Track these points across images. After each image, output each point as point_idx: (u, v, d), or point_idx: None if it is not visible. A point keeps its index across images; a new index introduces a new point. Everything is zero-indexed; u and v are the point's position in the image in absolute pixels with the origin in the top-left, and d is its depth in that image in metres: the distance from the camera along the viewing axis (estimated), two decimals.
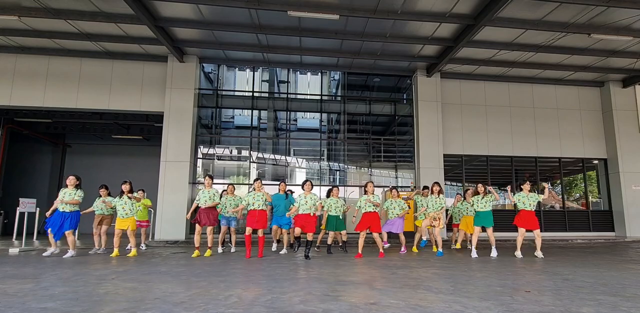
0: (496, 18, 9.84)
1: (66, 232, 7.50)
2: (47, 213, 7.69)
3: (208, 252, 7.91)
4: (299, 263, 6.63)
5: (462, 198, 9.43)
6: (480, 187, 8.13)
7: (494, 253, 8.01)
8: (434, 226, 8.44)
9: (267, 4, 9.31)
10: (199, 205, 7.96)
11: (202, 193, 7.97)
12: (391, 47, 11.97)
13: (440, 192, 8.44)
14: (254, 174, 14.25)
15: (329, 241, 8.42)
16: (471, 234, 8.56)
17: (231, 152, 14.41)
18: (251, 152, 14.00)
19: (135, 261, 6.86)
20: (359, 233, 8.01)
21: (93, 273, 5.29)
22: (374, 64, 13.35)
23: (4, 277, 4.93)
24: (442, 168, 13.10)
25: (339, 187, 9.30)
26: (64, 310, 3.21)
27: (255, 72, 14.56)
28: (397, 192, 8.90)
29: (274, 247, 8.91)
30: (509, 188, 9.14)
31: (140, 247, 9.40)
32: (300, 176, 14.59)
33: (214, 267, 6.08)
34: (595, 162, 14.89)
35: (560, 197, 14.57)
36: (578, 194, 15.84)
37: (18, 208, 10.28)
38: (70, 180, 7.56)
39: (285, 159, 14.45)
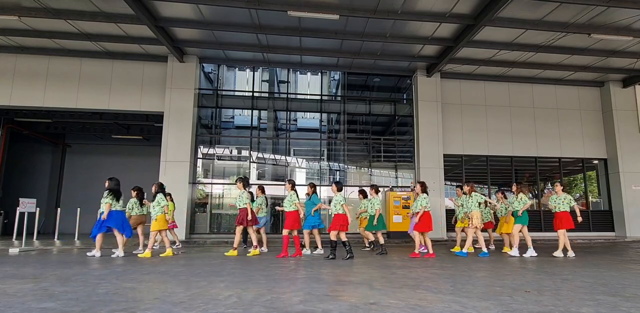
0: (496, 18, 9.84)
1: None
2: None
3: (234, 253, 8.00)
4: (298, 263, 6.63)
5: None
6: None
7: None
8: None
9: (267, 4, 9.31)
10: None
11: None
12: (391, 47, 11.97)
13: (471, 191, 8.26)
14: (254, 174, 14.25)
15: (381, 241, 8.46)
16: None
17: (231, 152, 14.42)
18: (251, 152, 14.00)
19: (135, 261, 6.87)
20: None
21: (93, 273, 5.29)
22: (374, 64, 13.35)
23: (4, 277, 4.93)
24: (442, 168, 13.10)
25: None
26: (64, 310, 3.21)
27: (255, 72, 14.56)
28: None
29: (317, 251, 8.53)
30: (499, 195, 8.94)
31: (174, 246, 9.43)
32: (300, 176, 14.59)
33: (214, 267, 6.08)
34: (595, 162, 14.89)
35: None
36: (578, 194, 15.83)
37: (18, 208, 10.26)
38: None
39: (285, 159, 14.45)
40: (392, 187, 13.46)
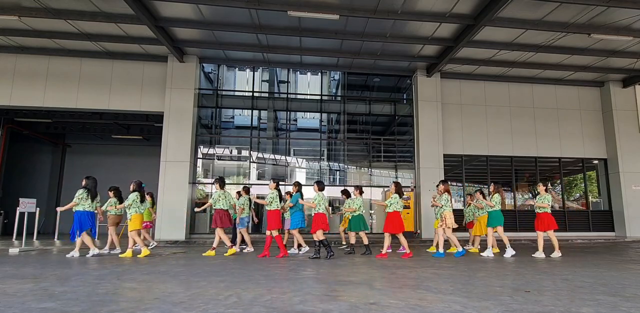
0: (496, 18, 9.84)
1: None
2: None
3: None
4: (298, 263, 6.63)
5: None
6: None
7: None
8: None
9: (267, 4, 9.31)
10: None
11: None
12: (391, 47, 11.97)
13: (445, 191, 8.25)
14: (254, 174, 14.25)
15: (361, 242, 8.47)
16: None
17: (231, 152, 14.42)
18: (251, 152, 14.00)
19: (134, 261, 6.87)
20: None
21: (93, 273, 5.29)
22: (374, 64, 13.35)
23: (4, 277, 4.93)
24: (442, 168, 13.10)
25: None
26: (64, 310, 3.21)
27: (255, 72, 14.56)
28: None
29: (303, 250, 8.55)
30: (477, 194, 8.85)
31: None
32: (300, 176, 14.59)
33: (214, 267, 6.08)
34: (595, 162, 14.89)
35: (560, 197, 14.57)
36: (578, 194, 15.84)
37: (18, 208, 10.28)
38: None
39: (285, 159, 14.45)
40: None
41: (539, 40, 11.23)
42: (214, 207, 8.00)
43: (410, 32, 11.04)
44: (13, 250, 8.36)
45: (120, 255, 7.65)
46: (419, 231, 12.84)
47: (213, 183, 8.34)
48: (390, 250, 8.67)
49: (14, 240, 11.32)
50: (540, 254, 7.87)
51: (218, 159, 14.19)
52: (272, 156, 14.72)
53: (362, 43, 11.74)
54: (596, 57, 12.24)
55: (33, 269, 5.72)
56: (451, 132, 13.71)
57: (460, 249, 7.85)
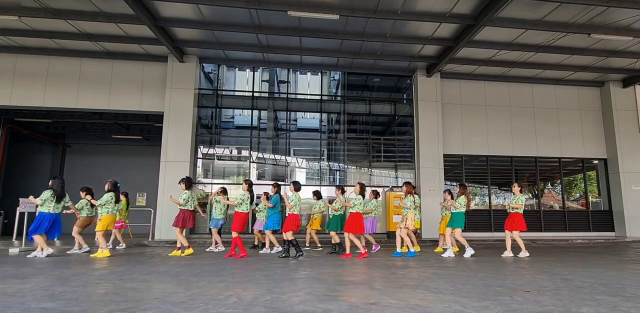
0: (496, 18, 9.84)
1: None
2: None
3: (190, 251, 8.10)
4: (298, 263, 6.63)
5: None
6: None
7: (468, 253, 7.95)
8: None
9: (267, 4, 9.31)
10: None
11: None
12: (391, 47, 11.97)
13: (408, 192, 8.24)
14: (254, 174, 14.25)
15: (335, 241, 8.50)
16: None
17: (231, 152, 14.41)
18: (251, 152, 14.00)
19: (134, 261, 6.87)
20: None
21: (93, 273, 5.29)
22: (374, 64, 13.35)
23: (4, 277, 4.93)
24: (442, 168, 13.10)
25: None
26: (64, 310, 3.21)
27: (255, 72, 14.56)
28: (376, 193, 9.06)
29: (274, 250, 8.61)
30: (446, 194, 8.70)
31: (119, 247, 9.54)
32: (300, 176, 14.59)
33: (214, 267, 6.08)
34: (595, 162, 14.89)
35: (560, 197, 14.57)
36: (578, 194, 15.84)
37: (18, 208, 10.27)
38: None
39: (285, 159, 14.45)
40: (392, 187, 13.47)
41: (539, 40, 11.23)
42: (181, 208, 8.07)
43: (410, 32, 11.04)
44: (13, 250, 8.35)
45: (91, 256, 7.58)
46: (418, 231, 12.83)
47: (179, 183, 8.37)
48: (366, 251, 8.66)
49: (14, 240, 11.32)
50: (508, 254, 7.99)
51: (218, 159, 14.19)
52: (272, 156, 14.72)
53: (362, 43, 11.74)
54: (596, 57, 12.24)
55: (33, 269, 5.72)
56: (451, 132, 13.71)
57: (413, 250, 7.91)
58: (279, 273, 5.33)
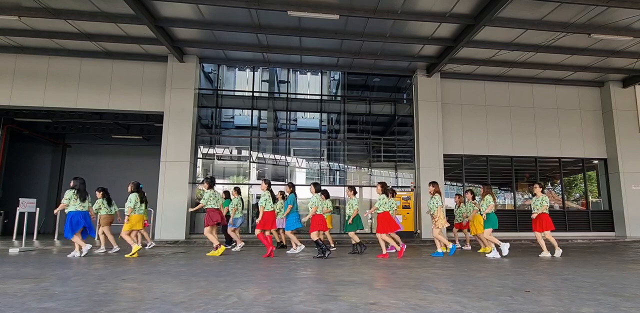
0: (496, 18, 9.84)
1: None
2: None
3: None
4: (298, 263, 6.63)
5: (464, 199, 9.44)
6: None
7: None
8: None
9: (267, 4, 9.31)
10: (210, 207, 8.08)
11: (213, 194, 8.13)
12: (391, 47, 11.97)
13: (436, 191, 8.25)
14: (254, 174, 14.25)
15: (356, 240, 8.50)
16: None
17: (231, 152, 14.41)
18: (251, 152, 14.00)
19: (135, 261, 6.87)
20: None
21: (93, 273, 5.29)
22: (374, 64, 13.35)
23: (4, 277, 4.93)
24: (442, 168, 13.10)
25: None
26: (64, 310, 3.21)
27: (255, 72, 14.56)
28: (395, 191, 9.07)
29: (298, 249, 8.48)
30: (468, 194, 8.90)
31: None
32: (300, 176, 14.59)
33: (214, 267, 6.08)
34: (595, 162, 14.89)
35: (560, 197, 14.57)
36: (578, 194, 15.84)
37: (18, 208, 10.28)
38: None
39: (285, 159, 14.45)
40: (392, 187, 13.46)
41: (539, 40, 11.23)
42: (207, 207, 8.04)
43: (410, 32, 11.04)
44: (13, 250, 8.36)
45: (126, 256, 7.60)
46: (419, 231, 12.84)
47: (202, 182, 8.46)
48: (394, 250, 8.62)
49: (14, 240, 11.31)
50: (546, 254, 7.97)
51: (218, 159, 14.19)
52: (272, 156, 14.72)
53: (362, 43, 11.74)
54: (596, 57, 12.24)
55: (33, 269, 5.72)
56: (451, 132, 13.71)
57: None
58: (279, 273, 5.33)
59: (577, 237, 13.10)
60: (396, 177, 14.30)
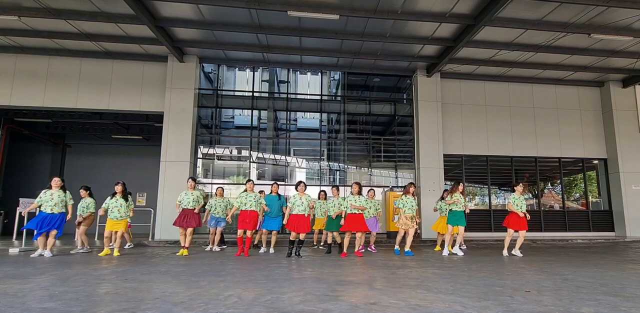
0: (496, 18, 9.84)
1: (52, 233, 7.62)
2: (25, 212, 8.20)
3: (184, 252, 8.14)
4: (298, 263, 6.63)
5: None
6: (460, 186, 8.31)
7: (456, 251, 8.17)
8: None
9: (267, 4, 9.31)
10: (183, 207, 8.41)
11: (186, 195, 8.45)
12: (391, 47, 11.97)
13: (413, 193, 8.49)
14: (254, 174, 14.26)
15: (330, 240, 8.56)
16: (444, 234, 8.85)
17: (231, 152, 14.41)
18: (251, 152, 14.00)
19: (135, 261, 6.87)
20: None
21: (93, 273, 5.29)
22: (374, 64, 13.34)
23: (4, 277, 4.93)
24: (442, 168, 13.10)
25: (338, 188, 9.40)
26: (64, 310, 3.21)
27: (255, 72, 14.56)
28: (374, 192, 9.18)
29: (263, 250, 8.62)
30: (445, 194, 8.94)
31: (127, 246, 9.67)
32: (300, 176, 14.59)
33: (214, 267, 6.08)
34: (595, 162, 14.89)
35: (560, 197, 14.57)
36: (578, 194, 15.84)
37: (18, 208, 10.28)
38: (56, 181, 8.04)
39: (285, 159, 14.45)
40: (392, 187, 13.47)
41: (539, 40, 11.23)
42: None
43: (410, 32, 11.03)
44: (13, 250, 8.35)
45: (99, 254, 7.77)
46: (418, 231, 12.83)
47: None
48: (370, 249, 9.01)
49: (14, 240, 11.31)
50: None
51: (218, 159, 14.19)
52: (272, 156, 14.72)
53: (362, 43, 11.74)
54: (596, 57, 12.24)
55: (33, 269, 5.72)
56: (451, 132, 13.71)
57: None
58: (279, 273, 5.33)
59: (577, 237, 13.10)
60: (396, 177, 14.30)
